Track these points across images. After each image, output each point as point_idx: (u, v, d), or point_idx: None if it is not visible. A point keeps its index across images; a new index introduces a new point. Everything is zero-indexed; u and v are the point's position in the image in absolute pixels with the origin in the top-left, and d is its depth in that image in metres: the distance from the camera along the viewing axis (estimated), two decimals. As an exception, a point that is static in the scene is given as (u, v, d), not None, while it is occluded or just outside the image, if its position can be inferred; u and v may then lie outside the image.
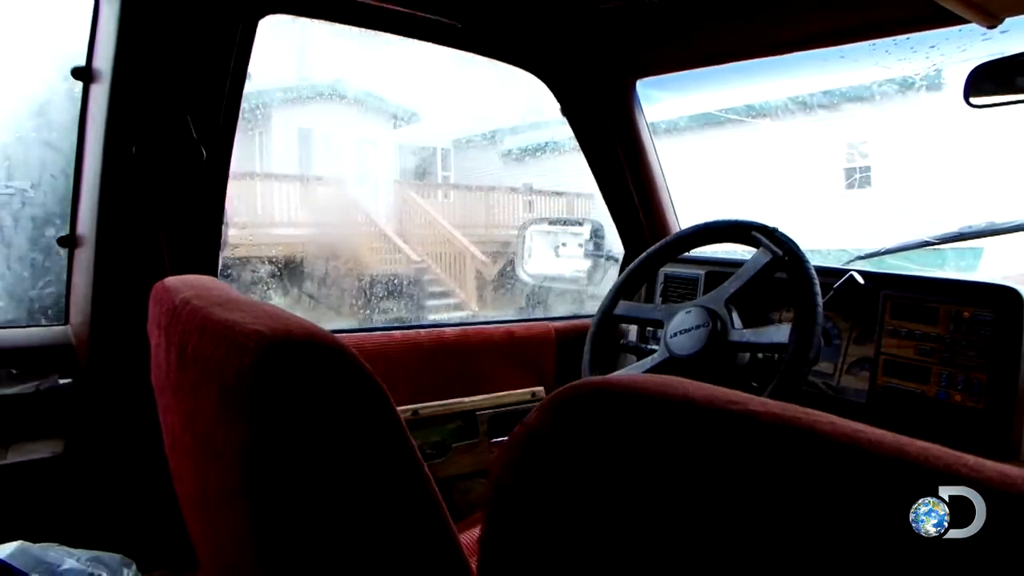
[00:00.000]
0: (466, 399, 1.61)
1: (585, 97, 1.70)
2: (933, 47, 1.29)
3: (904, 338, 1.33)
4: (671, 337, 1.34)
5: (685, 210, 1.88)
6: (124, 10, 1.08)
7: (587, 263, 1.95)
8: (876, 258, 1.67)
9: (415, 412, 1.51)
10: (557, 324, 1.80)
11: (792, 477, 0.33)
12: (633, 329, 1.73)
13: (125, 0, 1.08)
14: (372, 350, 1.49)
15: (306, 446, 0.53)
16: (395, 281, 5.88)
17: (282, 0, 1.24)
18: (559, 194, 7.74)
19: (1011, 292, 1.23)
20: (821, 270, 1.38)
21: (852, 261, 1.67)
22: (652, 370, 1.35)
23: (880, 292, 1.37)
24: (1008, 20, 1.08)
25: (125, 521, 1.22)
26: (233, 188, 1.29)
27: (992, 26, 1.06)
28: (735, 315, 1.33)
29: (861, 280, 1.35)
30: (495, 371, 1.69)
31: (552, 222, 2.06)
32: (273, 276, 5.21)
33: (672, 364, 1.33)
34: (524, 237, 2.03)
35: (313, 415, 0.53)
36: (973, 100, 1.15)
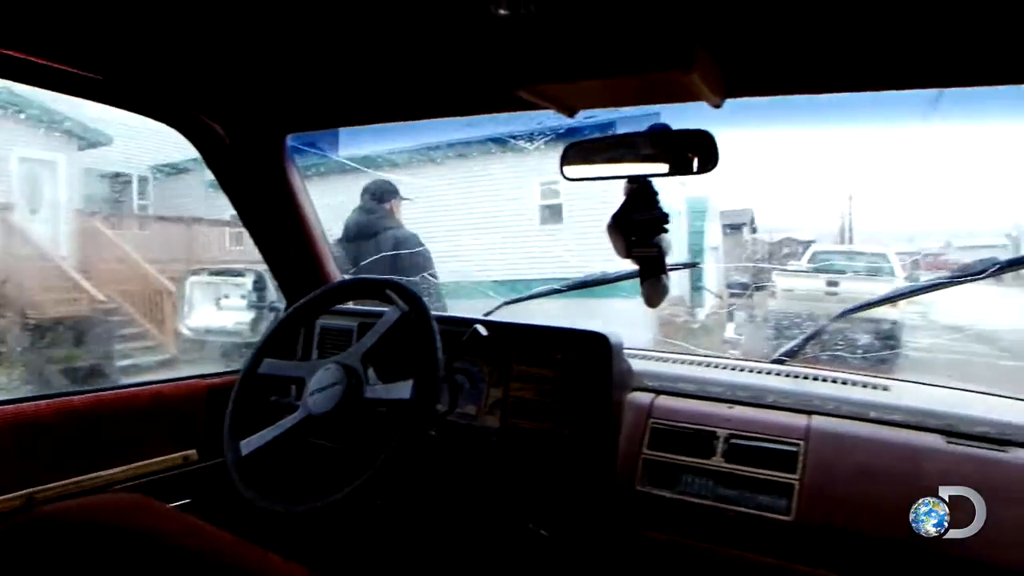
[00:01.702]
0: (103, 473, 1.47)
1: (235, 152, 1.66)
2: (540, 122, 1.50)
3: (527, 381, 1.49)
4: (310, 395, 1.36)
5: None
6: None
7: (250, 314, 1.90)
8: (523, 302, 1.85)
9: (29, 498, 1.33)
10: (211, 380, 1.72)
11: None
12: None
13: None
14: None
15: None
16: (71, 326, 5.17)
17: None
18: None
19: (600, 337, 1.43)
20: (455, 320, 1.49)
21: (498, 308, 1.83)
22: (290, 430, 1.36)
23: (508, 340, 1.52)
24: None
25: None
26: None
27: (571, 115, 1.24)
28: (371, 371, 1.38)
29: (484, 332, 1.48)
30: (143, 437, 1.57)
31: (213, 272, 1.97)
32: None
33: (310, 423, 1.35)
34: (184, 289, 1.92)
35: None
36: (567, 172, 1.31)
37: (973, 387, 1.53)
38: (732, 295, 6.41)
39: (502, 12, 0.93)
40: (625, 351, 1.58)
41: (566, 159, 1.30)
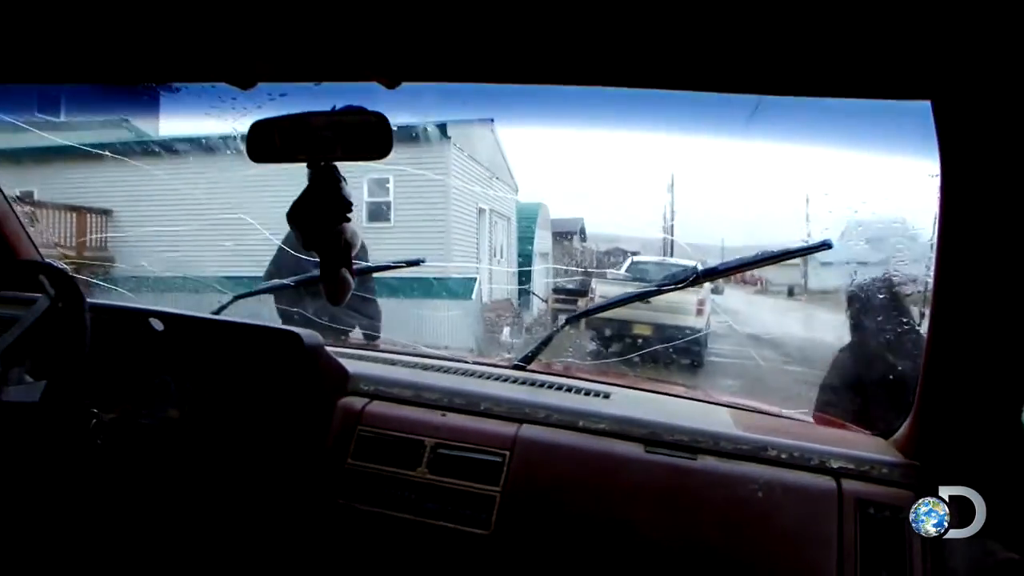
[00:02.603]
0: None
1: None
2: (235, 99, 1.34)
3: (219, 382, 1.34)
4: None
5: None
6: None
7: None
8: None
9: None
10: None
11: None
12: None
13: None
14: None
15: None
16: None
17: None
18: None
19: (292, 336, 1.31)
20: (132, 313, 1.31)
21: (231, 303, 1.67)
22: None
23: (200, 337, 1.36)
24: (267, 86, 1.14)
25: None
26: None
27: (247, 88, 1.10)
28: (16, 370, 1.17)
29: (160, 326, 1.31)
30: None
31: None
32: None
33: None
34: None
35: None
36: (252, 154, 1.16)
37: (684, 393, 1.56)
38: (557, 300, 6.57)
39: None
40: (344, 350, 1.47)
41: (252, 139, 1.14)
